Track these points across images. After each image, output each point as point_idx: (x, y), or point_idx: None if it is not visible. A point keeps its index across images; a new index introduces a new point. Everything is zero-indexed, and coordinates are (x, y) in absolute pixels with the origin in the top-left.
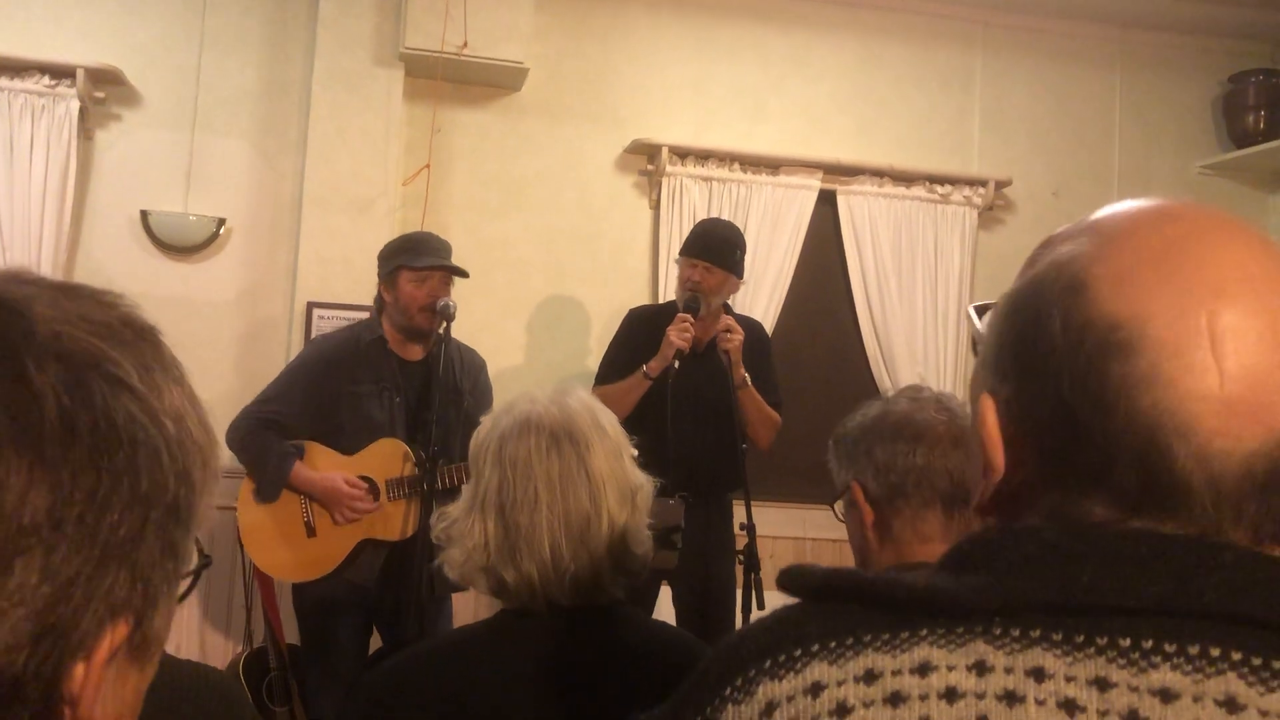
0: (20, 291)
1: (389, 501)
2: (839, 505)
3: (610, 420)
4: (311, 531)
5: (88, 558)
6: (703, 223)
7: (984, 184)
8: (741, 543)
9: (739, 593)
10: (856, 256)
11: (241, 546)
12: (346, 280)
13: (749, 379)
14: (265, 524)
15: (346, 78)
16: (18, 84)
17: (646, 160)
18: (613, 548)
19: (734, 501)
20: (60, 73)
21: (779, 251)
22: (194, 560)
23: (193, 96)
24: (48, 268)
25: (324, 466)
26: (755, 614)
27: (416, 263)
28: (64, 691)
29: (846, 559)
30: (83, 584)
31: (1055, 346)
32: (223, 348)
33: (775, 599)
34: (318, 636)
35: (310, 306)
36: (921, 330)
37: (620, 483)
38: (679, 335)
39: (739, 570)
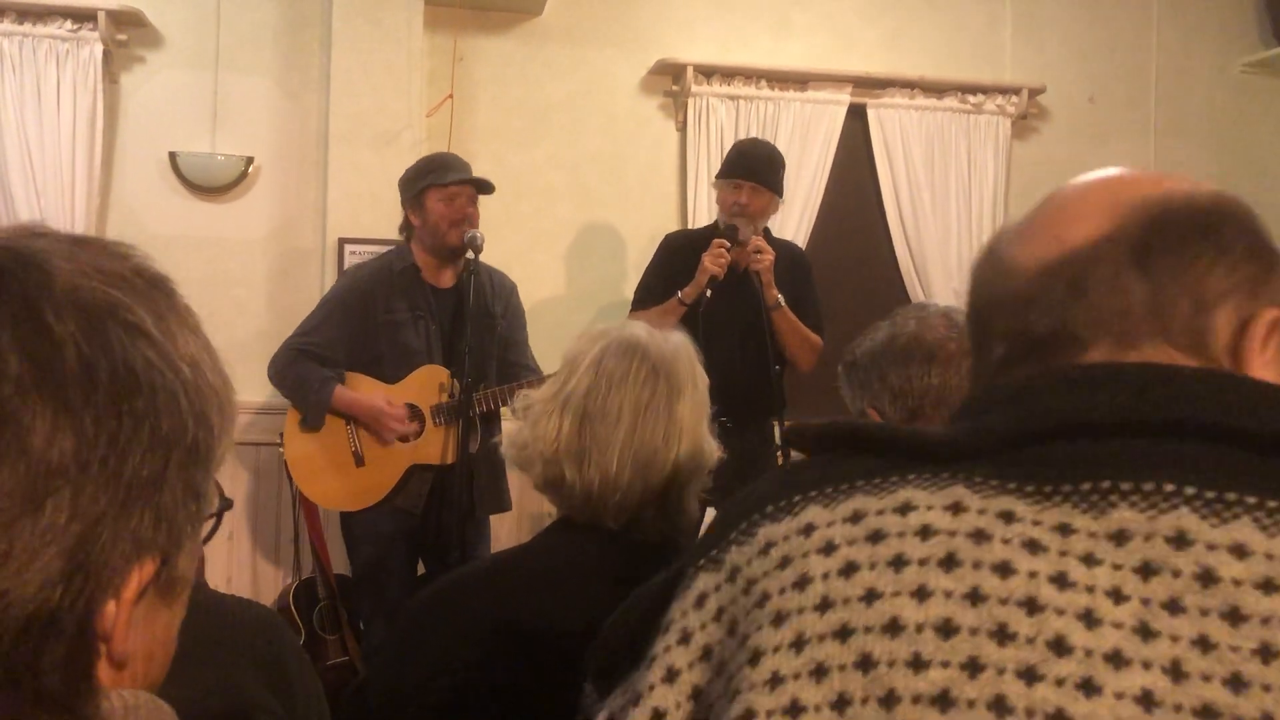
0: (38, 245)
1: (434, 427)
2: None
3: (704, 380)
4: (360, 461)
5: (113, 498)
6: (740, 143)
7: (1017, 92)
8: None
9: None
10: (888, 171)
11: (290, 479)
12: (375, 214)
13: (782, 300)
14: (314, 455)
15: (366, 9)
16: (41, 29)
17: (671, 81)
18: (667, 490)
19: (775, 427)
20: (82, 16)
21: (809, 169)
22: (215, 503)
23: (214, 35)
24: (81, 213)
25: (369, 395)
26: None
27: (443, 180)
28: (97, 627)
29: None
30: (109, 523)
31: None
32: (256, 286)
33: None
34: (370, 565)
35: (341, 242)
36: (956, 244)
37: (695, 440)
38: (714, 262)
39: None
